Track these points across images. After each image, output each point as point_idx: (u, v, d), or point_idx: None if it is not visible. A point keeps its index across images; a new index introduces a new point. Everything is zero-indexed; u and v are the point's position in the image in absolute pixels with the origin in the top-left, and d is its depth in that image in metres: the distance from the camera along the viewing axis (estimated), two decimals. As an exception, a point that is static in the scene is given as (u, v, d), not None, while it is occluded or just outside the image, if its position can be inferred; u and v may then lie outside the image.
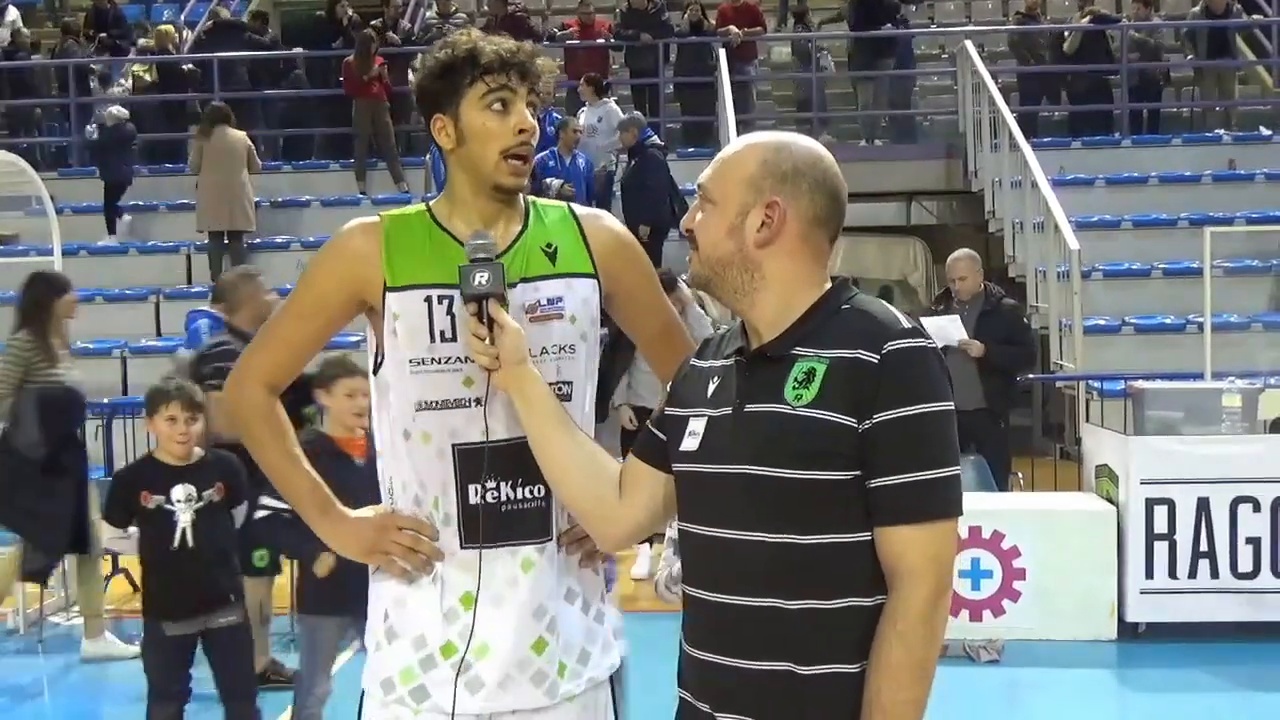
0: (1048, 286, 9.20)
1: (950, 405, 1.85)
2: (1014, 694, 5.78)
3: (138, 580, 7.06)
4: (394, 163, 12.29)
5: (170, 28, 13.55)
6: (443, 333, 2.17)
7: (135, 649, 5.31)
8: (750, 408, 1.88)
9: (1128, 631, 6.11)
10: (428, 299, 2.17)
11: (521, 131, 2.19)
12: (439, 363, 2.17)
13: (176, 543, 4.21)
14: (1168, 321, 9.57)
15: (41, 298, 6.15)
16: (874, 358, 1.82)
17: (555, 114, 11.41)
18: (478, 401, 2.16)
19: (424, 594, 2.21)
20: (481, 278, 2.07)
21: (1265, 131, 12.24)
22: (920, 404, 1.81)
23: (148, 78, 13.22)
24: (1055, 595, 6.10)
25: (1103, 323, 9.47)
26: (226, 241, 10.78)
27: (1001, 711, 5.64)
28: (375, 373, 2.26)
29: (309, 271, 2.30)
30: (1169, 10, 14.37)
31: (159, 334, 10.62)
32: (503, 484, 2.18)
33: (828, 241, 1.95)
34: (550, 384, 2.17)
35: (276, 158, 13.54)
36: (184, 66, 13.29)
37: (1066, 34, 12.71)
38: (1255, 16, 13.25)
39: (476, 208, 2.23)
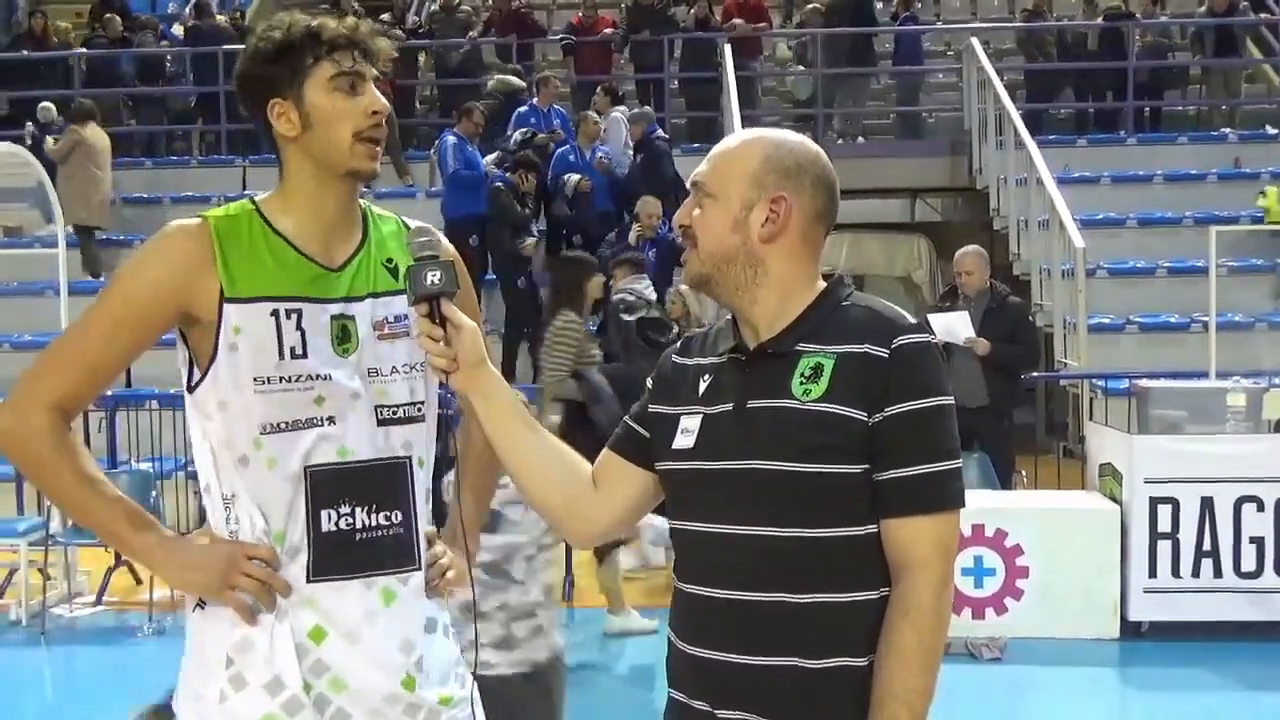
0: (1052, 284, 9.19)
1: (951, 399, 1.88)
2: (1016, 692, 5.78)
3: (140, 573, 7.11)
4: (398, 156, 12.28)
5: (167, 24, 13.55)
6: (293, 349, 2.00)
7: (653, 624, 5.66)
8: (753, 404, 1.87)
9: (1131, 630, 6.11)
10: (275, 313, 2.00)
11: (375, 113, 2.04)
12: (288, 381, 2.00)
13: None
14: (1172, 320, 9.56)
15: (577, 279, 6.37)
16: (884, 352, 1.83)
17: (559, 109, 11.39)
18: (331, 420, 2.01)
19: (272, 632, 2.01)
20: (433, 276, 1.94)
21: (1271, 130, 12.22)
22: (929, 398, 1.83)
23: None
24: (1058, 594, 6.10)
25: (1107, 321, 9.46)
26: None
27: (1004, 710, 5.64)
28: (191, 391, 2.04)
29: (124, 279, 2.03)
30: (1174, 8, 14.35)
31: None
32: (358, 509, 2.03)
33: (823, 237, 1.96)
34: (402, 404, 2.07)
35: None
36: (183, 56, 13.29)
37: (1085, 31, 12.66)
38: (1262, 15, 13.22)
39: (318, 205, 2.06)
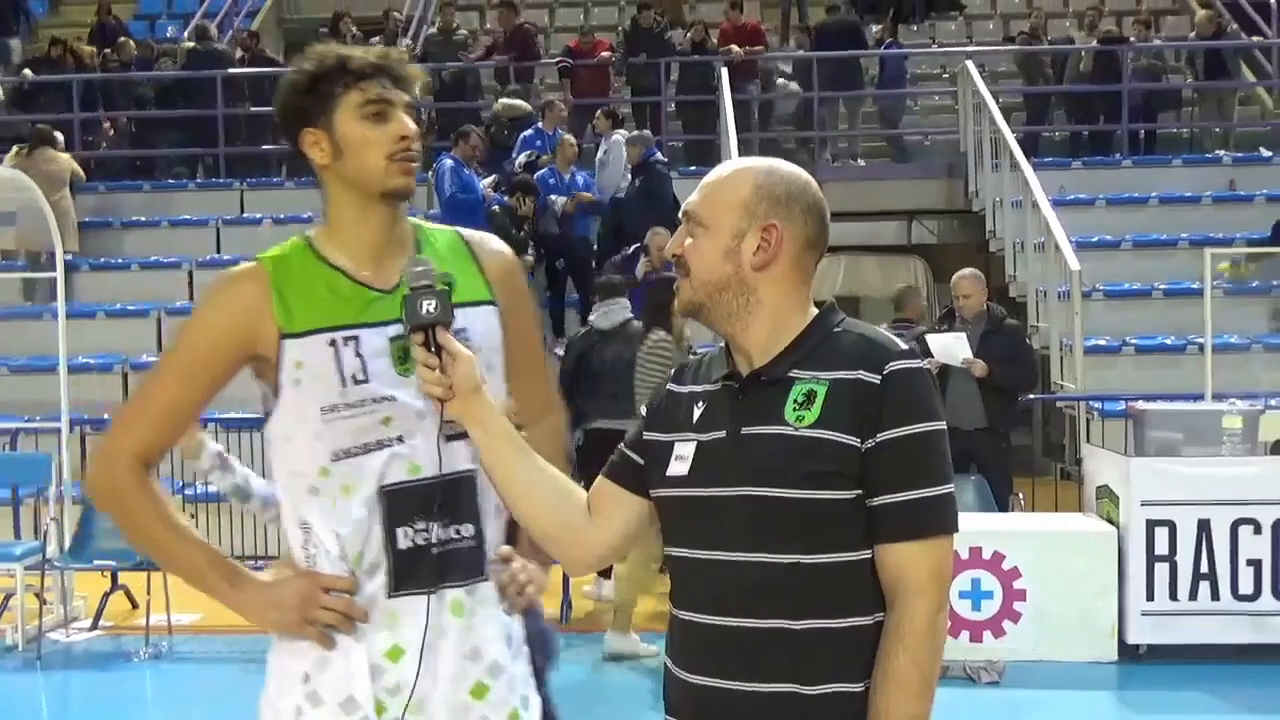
0: (1048, 306, 9.21)
1: (944, 424, 1.89)
2: (1014, 716, 5.76)
3: (136, 597, 7.09)
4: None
5: (187, 44, 13.57)
6: (354, 376, 2.05)
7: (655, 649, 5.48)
8: (748, 430, 1.88)
9: (1128, 653, 6.10)
10: (332, 342, 2.06)
11: (404, 138, 2.09)
12: (353, 407, 2.05)
13: None
14: (1168, 342, 9.57)
15: (668, 299, 6.55)
16: (876, 378, 1.85)
17: (564, 132, 11.42)
18: (400, 439, 2.06)
19: (348, 651, 2.07)
20: (428, 305, 1.97)
21: (1265, 153, 12.27)
22: (920, 423, 1.85)
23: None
24: (1056, 616, 6.09)
25: (1103, 343, 9.47)
26: (43, 262, 10.58)
27: (1002, 733, 5.63)
28: (267, 423, 2.11)
29: (189, 328, 2.11)
30: (1169, 31, 14.42)
31: (160, 350, 10.61)
32: (433, 525, 2.08)
33: (814, 264, 1.97)
34: None
35: (278, 174, 13.58)
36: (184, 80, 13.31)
37: (1083, 54, 12.73)
38: (1255, 38, 13.29)
39: (363, 231, 2.11)
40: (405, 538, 2.07)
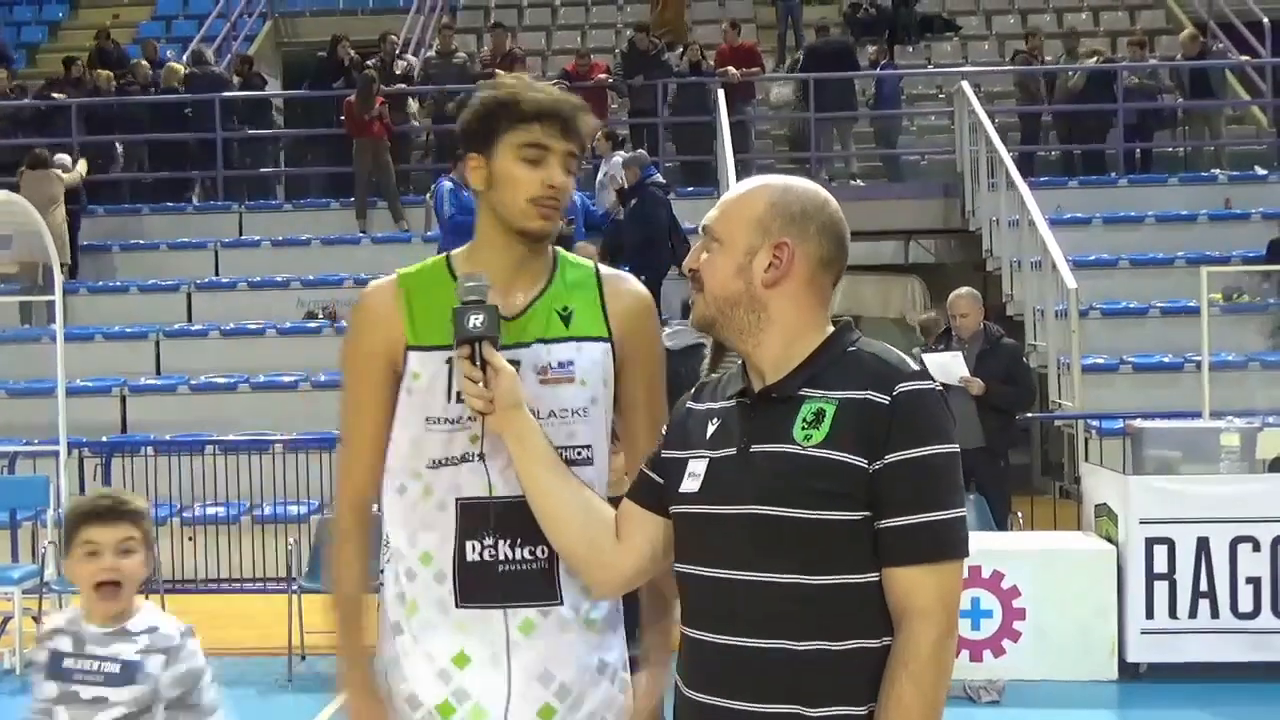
0: (1045, 325, 9.22)
1: (956, 447, 1.87)
2: (1015, 735, 5.74)
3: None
4: (394, 201, 12.33)
5: (179, 67, 13.59)
6: (459, 393, 2.14)
7: None
8: (757, 448, 1.88)
9: (1128, 672, 6.09)
10: (449, 360, 2.14)
11: (551, 187, 2.15)
12: (452, 422, 2.15)
13: None
14: (1165, 360, 9.57)
15: None
16: (884, 399, 1.84)
17: None
18: (481, 457, 2.14)
19: (414, 653, 2.17)
20: (475, 320, 2.04)
21: (1260, 171, 12.31)
22: (930, 445, 1.83)
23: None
24: (1055, 635, 6.08)
25: (1101, 361, 9.48)
26: (41, 283, 10.62)
27: (1002, 753, 5.61)
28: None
29: (348, 358, 2.25)
30: (1163, 51, 14.49)
31: (159, 372, 10.62)
32: (501, 542, 2.14)
33: (831, 284, 1.96)
34: (561, 446, 2.14)
35: (277, 197, 13.61)
36: (186, 111, 13.34)
37: (1071, 73, 12.80)
38: (1244, 57, 13.35)
39: (502, 254, 2.20)
40: (473, 551, 2.14)
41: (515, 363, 2.14)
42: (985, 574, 6.07)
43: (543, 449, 2.07)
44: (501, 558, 2.14)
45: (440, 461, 2.15)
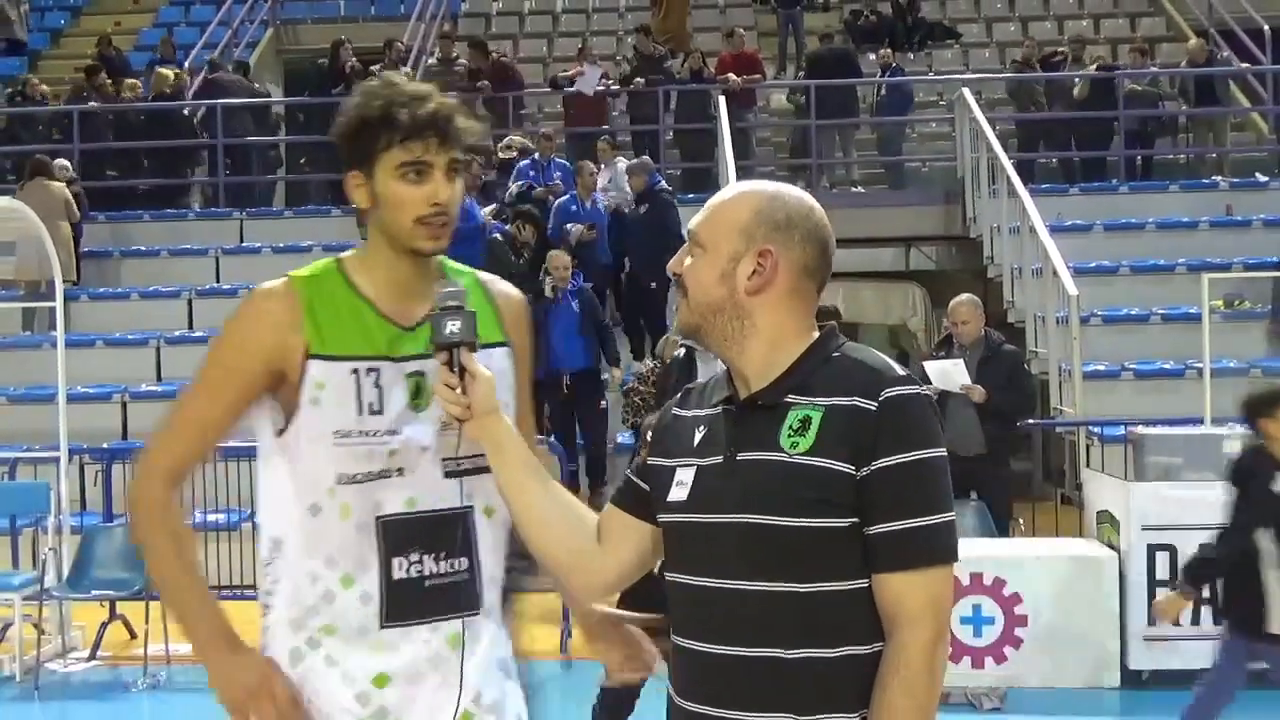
0: (1047, 332, 9.20)
1: (944, 451, 1.86)
2: (1017, 742, 5.73)
3: (135, 627, 7.05)
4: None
5: (169, 72, 13.58)
6: (370, 405, 2.10)
7: None
8: (743, 456, 1.87)
9: (1131, 679, 6.07)
10: (355, 371, 2.10)
11: (436, 204, 2.10)
12: (365, 435, 2.09)
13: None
14: (1166, 367, 9.57)
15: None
16: (871, 405, 1.83)
17: (560, 160, 11.44)
18: (401, 472, 2.10)
19: (328, 676, 2.10)
20: (453, 325, 2.02)
21: (1261, 178, 12.30)
22: (917, 450, 1.82)
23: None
24: (1057, 642, 6.06)
25: (1102, 368, 9.47)
26: (43, 290, 10.62)
27: (1005, 760, 5.59)
28: (278, 436, 2.14)
29: (219, 345, 2.15)
30: (1164, 58, 14.50)
31: (159, 379, 10.61)
32: (426, 557, 2.11)
33: (816, 292, 1.95)
34: (469, 456, 2.12)
35: (278, 204, 13.61)
36: (184, 112, 13.35)
37: (1076, 80, 12.81)
38: (1245, 65, 13.36)
39: (393, 271, 2.15)
40: (400, 569, 2.11)
41: (423, 374, 2.11)
42: (987, 581, 6.06)
43: (522, 456, 2.05)
44: (428, 573, 2.12)
45: (353, 477, 2.09)
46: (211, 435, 2.16)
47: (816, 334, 1.95)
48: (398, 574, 2.10)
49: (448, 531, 2.12)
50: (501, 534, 2.22)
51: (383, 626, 2.10)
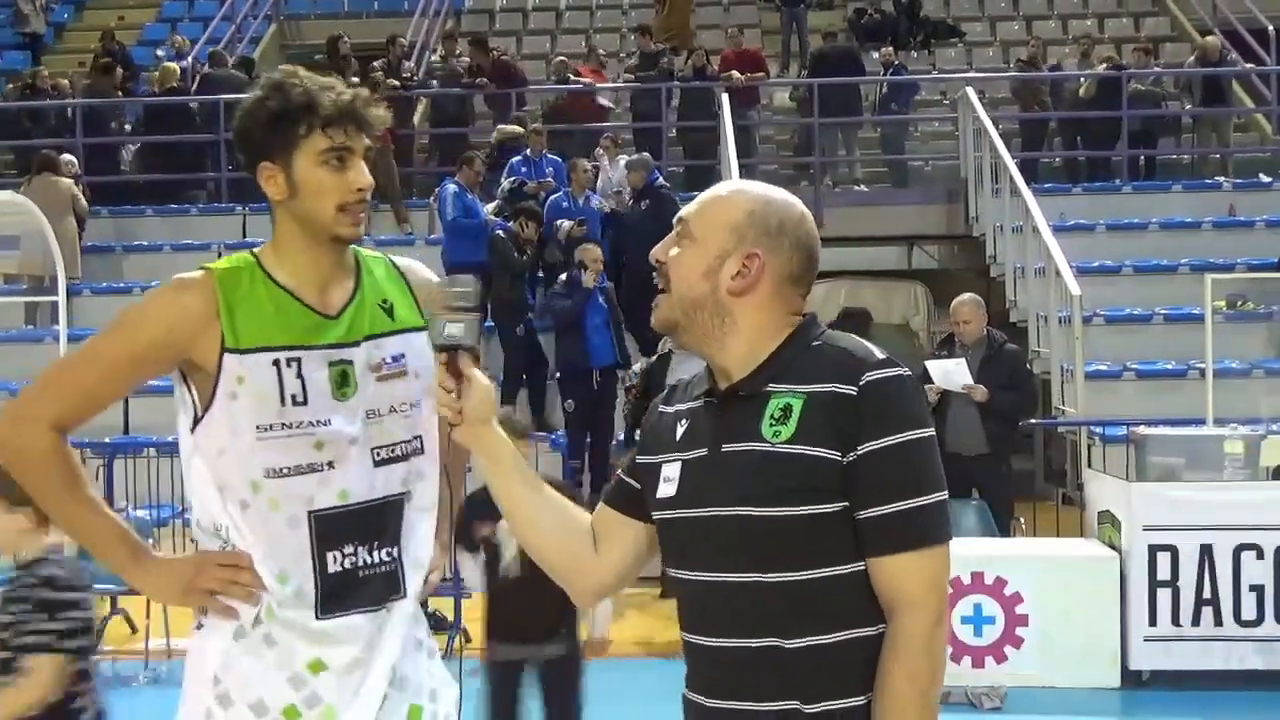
0: (1049, 331, 9.20)
1: (931, 431, 1.86)
2: (1017, 742, 5.73)
3: (136, 621, 7.06)
4: (398, 205, 12.33)
5: (174, 66, 13.58)
6: (294, 397, 2.08)
7: None
8: (727, 448, 1.88)
9: (1132, 679, 6.07)
10: (275, 362, 2.08)
11: (359, 190, 2.11)
12: (289, 428, 2.07)
13: (502, 571, 4.18)
14: (1169, 367, 9.57)
15: (858, 328, 7.34)
16: (852, 390, 1.83)
17: (551, 156, 11.43)
18: (331, 465, 2.09)
19: (259, 656, 2.11)
20: (454, 328, 1.97)
21: (1265, 178, 12.29)
22: (902, 432, 1.82)
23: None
24: (1058, 642, 6.07)
25: (1104, 368, 9.47)
26: (46, 284, 10.53)
27: (1004, 759, 5.59)
28: (192, 433, 2.13)
29: (129, 324, 2.12)
30: (1168, 58, 14.48)
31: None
32: (360, 548, 2.12)
33: (800, 298, 1.96)
34: (402, 441, 2.14)
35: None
36: (191, 105, 13.35)
37: (1082, 80, 12.80)
38: (1249, 65, 13.35)
39: (310, 260, 2.14)
40: (335, 562, 2.11)
41: (349, 362, 2.11)
42: (988, 580, 6.06)
43: (515, 463, 2.04)
44: (361, 564, 2.13)
45: (279, 471, 2.07)
46: (98, 406, 2.15)
47: (797, 325, 1.95)
48: (333, 567, 2.11)
49: (380, 521, 2.13)
50: (422, 518, 2.22)
51: (318, 619, 2.11)
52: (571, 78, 13.19)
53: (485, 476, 2.04)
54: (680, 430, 1.96)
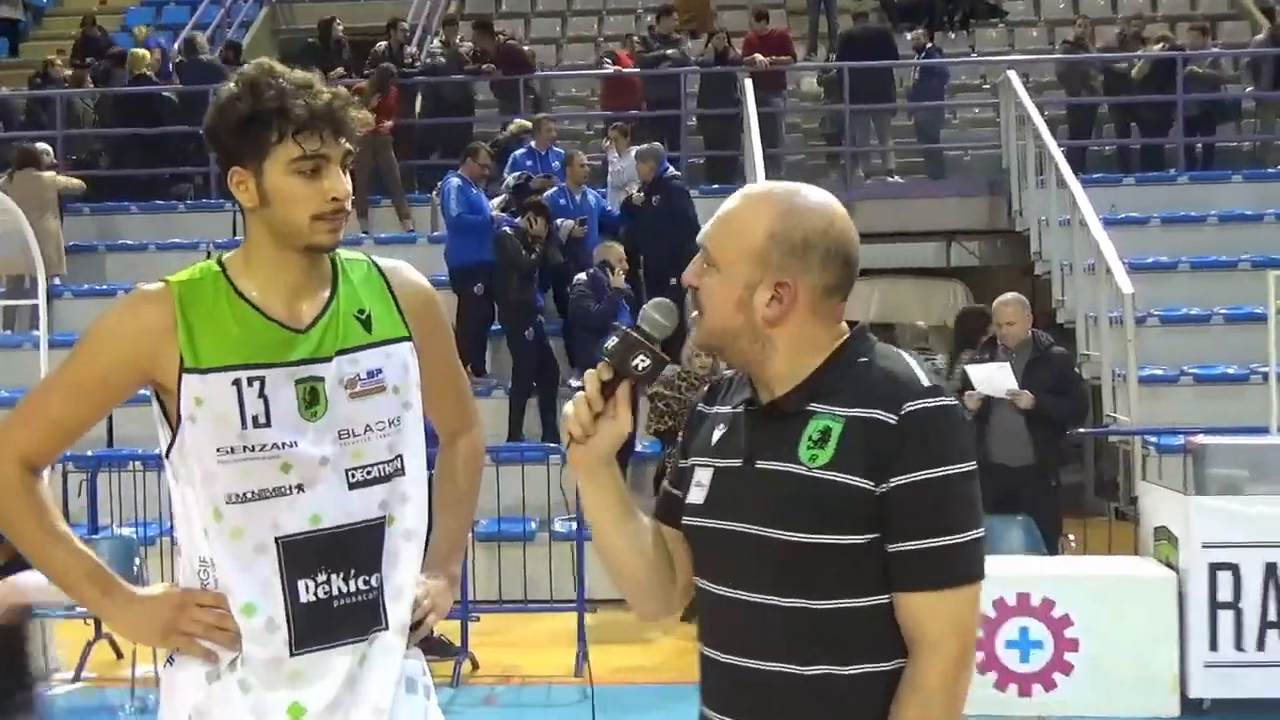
0: (1099, 333, 9.19)
1: (972, 465, 1.88)
2: (1067, 776, 5.72)
3: (121, 647, 7.09)
4: (400, 200, 12.35)
5: (146, 53, 13.60)
6: (255, 418, 2.07)
7: None
8: (761, 464, 1.90)
9: (1191, 708, 6.05)
10: (236, 382, 2.07)
11: (334, 199, 2.11)
12: (251, 450, 2.06)
13: None
14: (1229, 371, 9.54)
15: (978, 326, 7.97)
16: (892, 418, 1.85)
17: (558, 150, 11.45)
18: (300, 488, 2.08)
19: (231, 701, 2.09)
20: (642, 363, 1.91)
21: (1332, 167, 12.26)
22: (940, 467, 1.84)
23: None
24: (1111, 668, 6.04)
25: (1159, 372, 9.44)
26: (25, 288, 10.65)
27: (1054, 795, 5.58)
28: (167, 456, 2.14)
29: (90, 345, 2.14)
30: (1227, 38, 14.43)
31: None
32: (334, 576, 2.10)
33: (841, 304, 1.96)
34: (381, 462, 2.12)
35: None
36: (163, 94, 13.38)
37: (1134, 61, 12.77)
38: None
39: (281, 270, 2.13)
40: (307, 591, 2.10)
41: (319, 379, 2.09)
42: (1035, 601, 6.05)
43: (620, 494, 2.01)
44: (336, 593, 2.11)
45: (241, 496, 2.07)
46: (69, 435, 2.18)
47: (845, 335, 1.96)
48: (305, 597, 2.09)
49: (357, 548, 2.11)
50: (405, 544, 2.20)
51: (293, 654, 2.09)
52: (608, 63, 13.19)
53: (589, 505, 2.02)
54: (716, 435, 1.99)
